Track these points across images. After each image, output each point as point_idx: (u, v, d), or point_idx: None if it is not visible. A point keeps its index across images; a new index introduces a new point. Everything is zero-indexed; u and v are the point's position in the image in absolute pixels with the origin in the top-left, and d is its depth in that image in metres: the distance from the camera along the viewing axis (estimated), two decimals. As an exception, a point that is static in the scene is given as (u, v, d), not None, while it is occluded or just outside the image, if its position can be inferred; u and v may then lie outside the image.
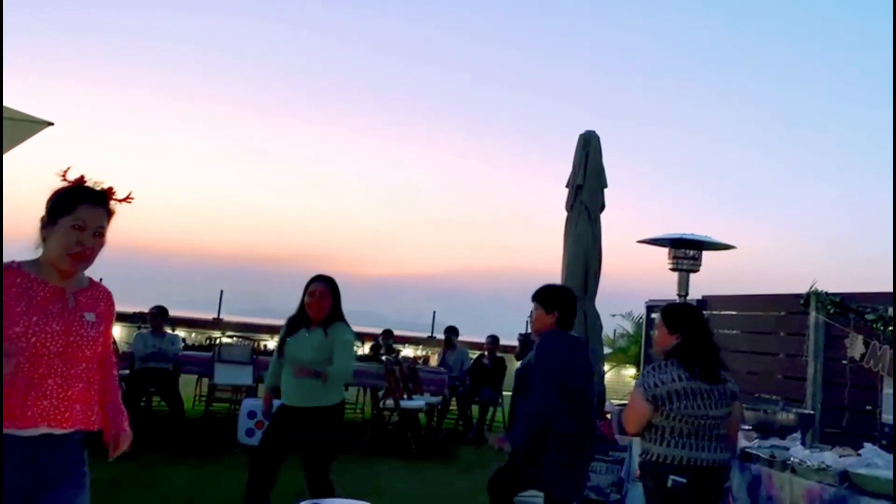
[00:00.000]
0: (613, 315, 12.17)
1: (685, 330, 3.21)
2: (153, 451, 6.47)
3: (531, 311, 3.91)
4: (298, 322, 3.91)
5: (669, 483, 3.01)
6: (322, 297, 3.86)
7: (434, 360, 10.16)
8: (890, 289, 5.15)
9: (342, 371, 3.82)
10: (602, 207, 6.09)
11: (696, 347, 3.15)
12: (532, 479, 3.58)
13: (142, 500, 4.89)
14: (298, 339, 3.86)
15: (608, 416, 6.62)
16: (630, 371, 12.27)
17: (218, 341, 9.57)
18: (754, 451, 3.70)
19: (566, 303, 3.69)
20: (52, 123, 5.28)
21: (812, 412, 4.88)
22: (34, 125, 5.25)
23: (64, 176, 2.14)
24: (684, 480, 3.00)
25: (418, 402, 8.00)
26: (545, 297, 3.69)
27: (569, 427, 3.47)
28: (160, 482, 5.50)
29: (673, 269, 6.07)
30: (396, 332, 11.51)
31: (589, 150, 6.05)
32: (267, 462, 3.77)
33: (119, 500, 4.84)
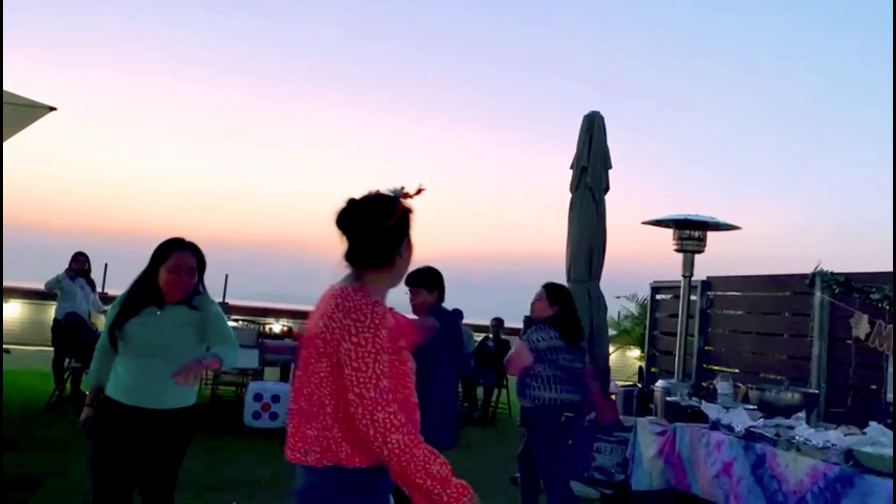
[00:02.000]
0: (618, 297, 12.18)
1: (562, 304, 4.18)
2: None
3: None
4: (143, 299, 2.96)
5: (563, 418, 4.07)
6: (191, 274, 3.01)
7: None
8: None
9: (235, 350, 2.97)
10: (606, 189, 6.07)
11: (569, 317, 4.16)
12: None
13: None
14: (147, 320, 2.91)
15: (613, 396, 6.64)
16: (635, 353, 12.29)
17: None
18: (759, 431, 3.71)
19: (441, 280, 4.02)
20: (54, 108, 5.27)
21: (816, 392, 4.88)
22: (36, 110, 5.24)
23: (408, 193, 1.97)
24: (573, 415, 4.18)
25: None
26: (426, 279, 3.94)
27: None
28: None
29: (678, 251, 6.06)
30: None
31: (593, 131, 6.02)
32: (117, 489, 2.87)
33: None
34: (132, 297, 2.98)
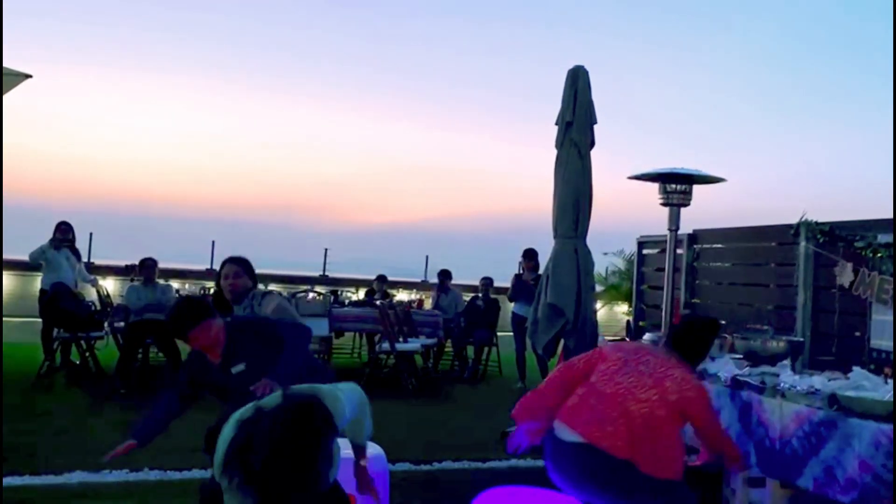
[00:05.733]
0: (605, 253, 12.24)
1: None
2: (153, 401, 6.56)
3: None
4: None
5: None
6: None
7: (428, 304, 10.23)
8: (880, 215, 5.17)
9: None
10: (592, 144, 6.04)
11: None
12: None
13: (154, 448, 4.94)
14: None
15: (602, 351, 6.71)
16: (622, 308, 12.39)
17: (211, 291, 9.60)
18: (745, 378, 3.77)
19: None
20: (30, 76, 5.17)
21: (801, 340, 4.95)
22: (13, 78, 5.14)
23: None
24: None
25: (414, 344, 8.09)
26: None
27: None
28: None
29: (664, 204, 6.06)
30: (391, 278, 11.57)
31: (577, 85, 5.96)
32: None
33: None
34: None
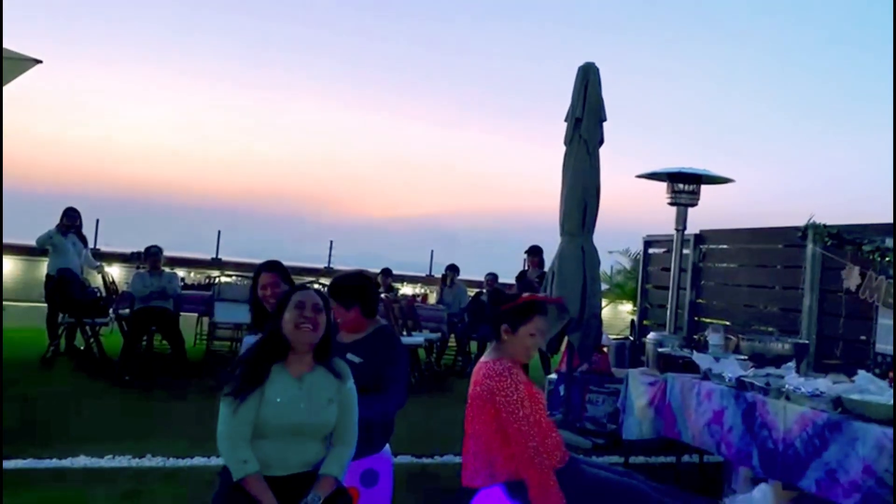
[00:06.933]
0: (611, 252, 12.24)
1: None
2: (157, 389, 6.59)
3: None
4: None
5: None
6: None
7: (433, 298, 10.24)
8: (887, 220, 5.15)
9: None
10: (601, 142, 6.03)
11: None
12: None
13: (153, 430, 4.98)
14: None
15: (605, 349, 6.72)
16: (627, 307, 12.39)
17: (217, 280, 9.62)
18: (749, 380, 3.76)
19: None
20: (40, 61, 5.18)
21: (807, 342, 4.93)
22: (22, 63, 5.15)
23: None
24: None
25: (417, 338, 8.10)
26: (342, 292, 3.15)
27: None
28: (169, 413, 5.64)
29: (671, 204, 6.06)
30: (395, 272, 11.59)
31: (588, 82, 5.95)
32: None
33: (130, 430, 4.94)
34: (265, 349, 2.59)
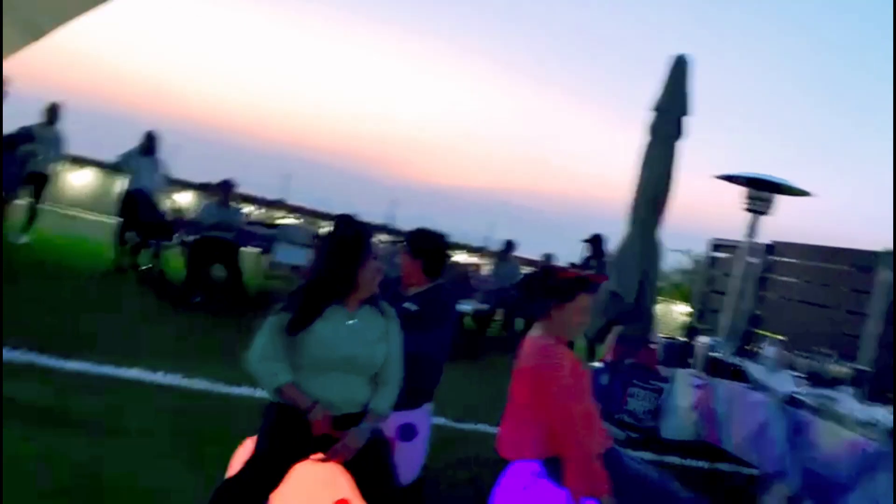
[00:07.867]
0: (673, 250, 12.03)
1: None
2: (212, 316, 6.79)
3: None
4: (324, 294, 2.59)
5: None
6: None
7: (486, 271, 10.25)
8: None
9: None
10: (682, 135, 5.89)
11: None
12: None
13: (205, 354, 5.12)
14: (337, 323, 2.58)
15: (653, 346, 6.64)
16: (680, 307, 12.19)
17: (281, 221, 9.81)
18: (801, 398, 3.68)
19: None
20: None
21: (868, 369, 4.79)
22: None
23: None
24: None
25: (466, 306, 8.13)
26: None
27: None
28: (222, 341, 5.80)
29: (747, 210, 5.91)
30: (451, 241, 11.59)
31: (678, 74, 5.81)
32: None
33: (183, 351, 5.10)
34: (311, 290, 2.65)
